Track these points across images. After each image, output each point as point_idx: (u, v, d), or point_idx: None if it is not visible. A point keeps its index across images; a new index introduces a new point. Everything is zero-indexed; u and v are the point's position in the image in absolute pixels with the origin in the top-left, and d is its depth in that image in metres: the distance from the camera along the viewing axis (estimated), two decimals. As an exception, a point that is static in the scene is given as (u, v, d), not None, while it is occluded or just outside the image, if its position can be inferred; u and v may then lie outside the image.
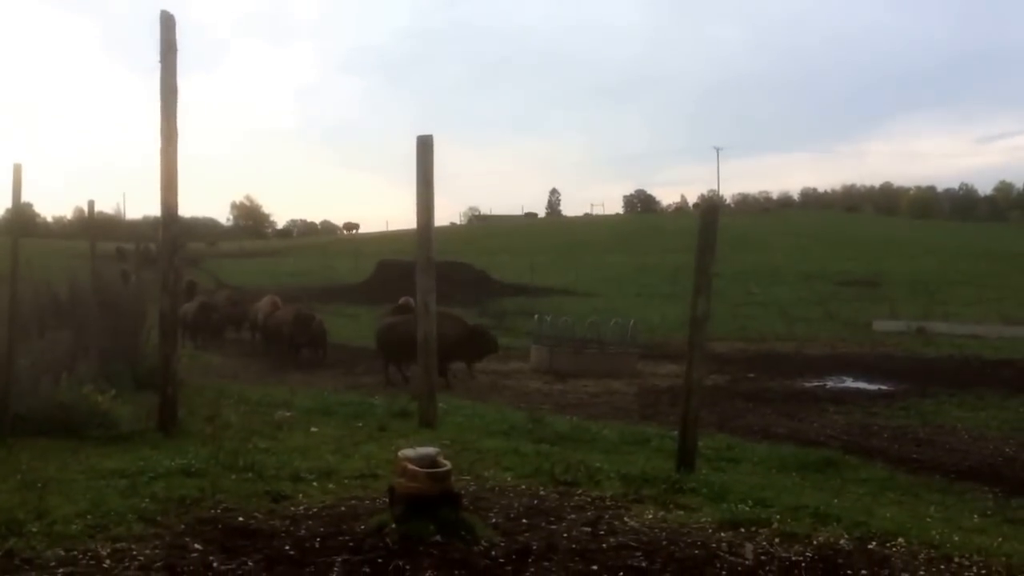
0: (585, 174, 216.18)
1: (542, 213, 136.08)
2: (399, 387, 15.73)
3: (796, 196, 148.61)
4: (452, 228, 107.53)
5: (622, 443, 9.42)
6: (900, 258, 60.74)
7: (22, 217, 8.08)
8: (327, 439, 8.14)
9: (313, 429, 8.64)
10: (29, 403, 7.38)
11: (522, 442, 8.78)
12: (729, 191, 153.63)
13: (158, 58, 7.81)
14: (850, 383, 17.90)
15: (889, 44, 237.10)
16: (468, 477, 6.91)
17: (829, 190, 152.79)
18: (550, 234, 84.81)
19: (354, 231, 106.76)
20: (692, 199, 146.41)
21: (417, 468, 5.38)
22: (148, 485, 6.02)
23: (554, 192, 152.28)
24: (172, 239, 7.91)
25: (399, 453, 5.56)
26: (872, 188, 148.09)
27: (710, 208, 7.66)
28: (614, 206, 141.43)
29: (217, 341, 23.27)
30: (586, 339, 20.67)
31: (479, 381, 17.28)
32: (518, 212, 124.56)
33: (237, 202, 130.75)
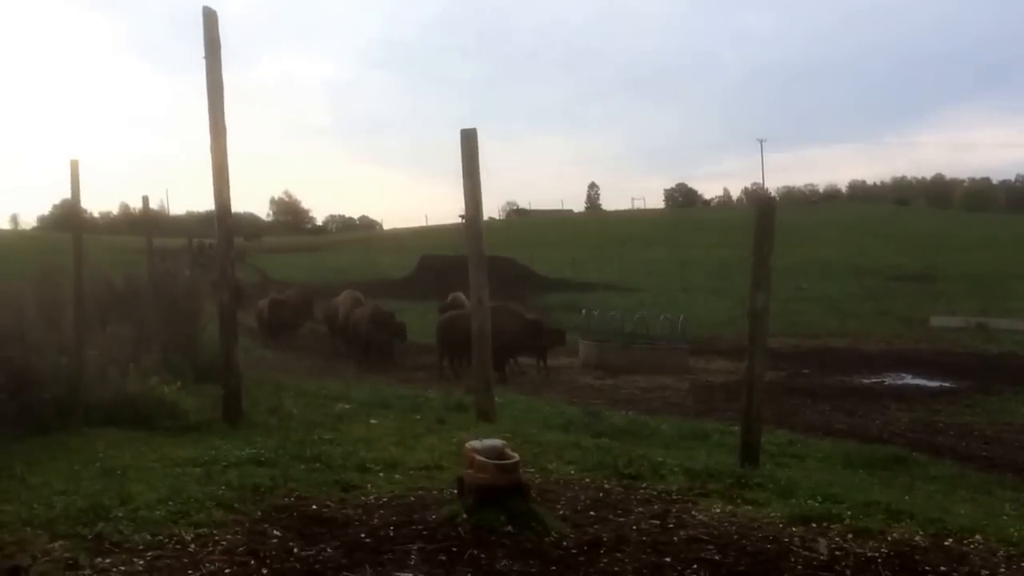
0: (624, 168, 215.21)
1: (581, 208, 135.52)
2: (451, 381, 15.81)
3: (844, 189, 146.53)
4: (491, 223, 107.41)
5: (681, 438, 9.38)
6: (954, 252, 59.61)
7: (80, 213, 8.26)
8: (388, 431, 8.21)
9: (373, 421, 8.72)
10: (99, 394, 7.53)
11: (581, 436, 8.79)
12: (773, 184, 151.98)
13: (203, 55, 7.90)
14: (910, 380, 17.66)
15: (939, 29, 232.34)
16: (532, 470, 6.91)
17: (878, 182, 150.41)
18: (590, 229, 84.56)
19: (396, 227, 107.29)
20: (735, 192, 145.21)
21: (486, 459, 5.41)
22: (223, 473, 6.13)
23: (593, 186, 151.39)
24: (228, 233, 8.03)
25: (467, 445, 5.59)
26: (923, 180, 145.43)
27: (767, 202, 7.59)
28: (655, 200, 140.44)
29: (288, 338, 22.44)
30: (635, 334, 20.60)
31: (530, 376, 17.30)
32: (557, 207, 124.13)
33: (276, 197, 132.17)
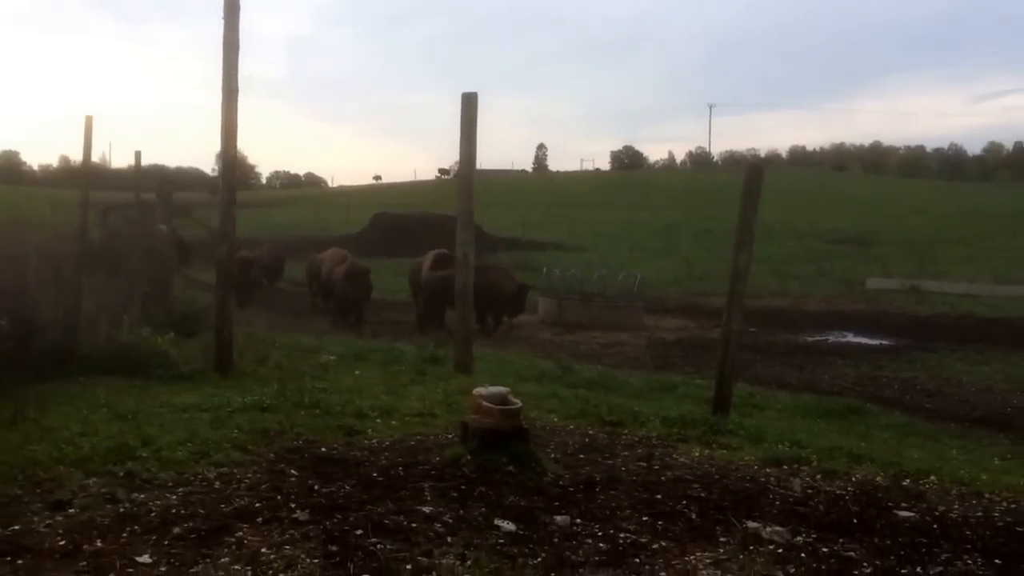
0: (572, 130, 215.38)
1: (529, 168, 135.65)
2: (417, 335, 16.09)
3: (784, 154, 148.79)
4: (439, 182, 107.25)
5: (649, 390, 9.84)
6: (890, 217, 61.16)
7: (93, 170, 8.35)
8: (374, 381, 8.52)
9: (357, 372, 9.01)
10: (94, 344, 7.71)
11: (556, 387, 9.19)
12: (717, 148, 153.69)
13: (221, 15, 8.04)
14: (852, 338, 18.43)
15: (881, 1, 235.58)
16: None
17: (818, 148, 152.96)
18: (538, 189, 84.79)
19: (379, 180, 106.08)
20: (679, 156, 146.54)
21: (492, 405, 5.78)
22: (231, 418, 6.41)
23: (541, 147, 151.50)
24: (231, 188, 8.20)
25: (474, 391, 5.96)
26: (861, 147, 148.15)
27: (755, 168, 7.97)
28: (602, 162, 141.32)
29: (256, 296, 21.38)
30: (591, 293, 21.09)
31: (492, 332, 17.69)
32: (506, 167, 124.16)
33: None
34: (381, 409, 7.15)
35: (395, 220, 46.00)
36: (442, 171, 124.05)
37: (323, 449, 5.96)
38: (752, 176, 7.96)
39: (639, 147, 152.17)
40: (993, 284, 33.50)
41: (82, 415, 6.26)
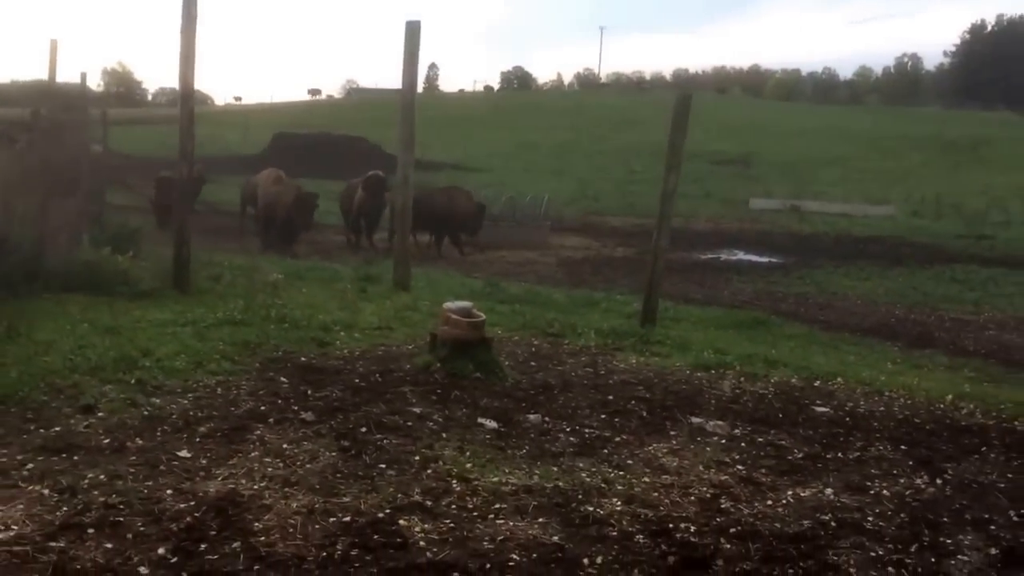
0: (462, 49, 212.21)
1: (420, 88, 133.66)
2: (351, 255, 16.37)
3: (668, 77, 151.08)
4: (331, 102, 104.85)
5: (573, 305, 10.57)
6: (769, 139, 63.46)
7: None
8: (325, 299, 8.95)
9: (304, 291, 9.41)
10: (55, 262, 7.87)
11: (491, 303, 9.80)
12: (604, 71, 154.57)
13: None
14: (742, 256, 19.67)
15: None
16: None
17: (700, 71, 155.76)
18: (431, 109, 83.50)
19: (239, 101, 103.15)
20: (567, 77, 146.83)
21: (460, 318, 6.38)
22: (211, 331, 6.82)
23: (432, 67, 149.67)
24: (190, 113, 8.39)
25: (444, 305, 6.55)
26: (741, 70, 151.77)
27: (684, 96, 8.63)
28: (492, 82, 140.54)
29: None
30: (501, 213, 21.66)
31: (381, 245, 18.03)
32: (398, 86, 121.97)
33: (109, 68, 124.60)
34: (342, 323, 7.64)
35: (295, 140, 45.29)
36: (312, 91, 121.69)
37: (303, 359, 6.45)
38: (680, 104, 8.64)
39: (528, 68, 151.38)
40: (866, 204, 35.69)
41: (66, 330, 6.53)
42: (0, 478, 3.99)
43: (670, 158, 8.56)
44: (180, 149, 8.40)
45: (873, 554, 3.84)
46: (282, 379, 5.89)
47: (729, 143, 59.92)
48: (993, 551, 3.93)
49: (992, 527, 4.20)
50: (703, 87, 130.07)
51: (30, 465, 4.14)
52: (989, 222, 27.39)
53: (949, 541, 4.02)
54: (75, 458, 4.25)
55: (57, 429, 4.60)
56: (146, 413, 4.94)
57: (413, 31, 9.43)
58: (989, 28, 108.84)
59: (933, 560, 3.81)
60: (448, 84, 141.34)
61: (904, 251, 20.74)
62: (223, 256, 11.37)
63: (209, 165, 29.67)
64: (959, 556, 3.87)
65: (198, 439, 4.64)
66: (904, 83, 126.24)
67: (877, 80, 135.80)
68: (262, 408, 5.24)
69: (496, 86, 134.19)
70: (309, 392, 5.63)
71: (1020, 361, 9.53)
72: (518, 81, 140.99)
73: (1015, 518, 4.33)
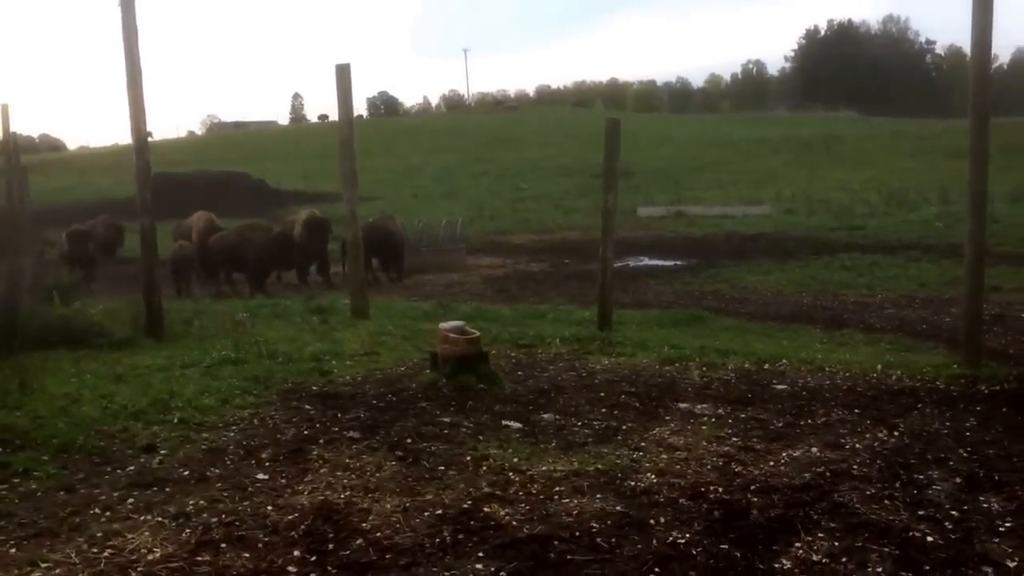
0: (324, 77, 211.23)
1: (285, 119, 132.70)
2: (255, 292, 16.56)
3: (532, 93, 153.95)
4: (192, 138, 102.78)
5: (522, 318, 11.25)
6: (641, 149, 65.42)
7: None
8: (297, 332, 9.36)
9: (275, 326, 9.79)
10: (28, 319, 8.05)
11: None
12: (470, 91, 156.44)
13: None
14: (648, 261, 20.74)
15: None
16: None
17: (561, 87, 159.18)
18: (304, 139, 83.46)
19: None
20: (434, 99, 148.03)
21: (458, 336, 6.98)
22: (217, 371, 7.20)
23: (297, 96, 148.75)
24: (146, 163, 8.70)
25: (440, 326, 7.16)
26: (600, 83, 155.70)
27: (613, 122, 9.42)
28: (359, 109, 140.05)
29: (94, 272, 19.43)
30: (417, 239, 22.10)
31: (334, 280, 18.38)
32: (260, 119, 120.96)
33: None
34: (331, 353, 8.10)
35: (173, 180, 44.52)
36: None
37: (314, 388, 6.91)
38: (611, 129, 9.44)
39: (393, 92, 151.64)
40: (743, 205, 37.61)
41: (74, 382, 6.80)
42: (109, 512, 4.38)
43: (607, 179, 9.41)
44: (139, 201, 8.69)
45: (868, 493, 4.61)
46: (307, 407, 6.35)
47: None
48: (957, 480, 4.77)
49: (950, 463, 5.06)
50: (565, 101, 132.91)
51: (130, 500, 4.53)
52: (856, 214, 29.38)
53: (921, 477, 4.85)
54: (167, 490, 4.66)
55: (132, 468, 4.98)
56: (204, 447, 5.36)
57: (344, 72, 9.95)
58: (822, 32, 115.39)
59: (916, 492, 4.61)
60: (314, 113, 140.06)
61: (790, 245, 22.23)
62: (176, 304, 11.57)
63: (85, 213, 28.48)
64: (933, 487, 4.69)
65: (267, 463, 5.10)
66: (752, 88, 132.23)
67: (727, 87, 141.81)
68: (306, 432, 5.71)
69: (364, 113, 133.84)
70: (339, 415, 6.12)
71: (922, 333, 10.69)
72: (384, 106, 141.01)
73: (964, 454, 5.21)
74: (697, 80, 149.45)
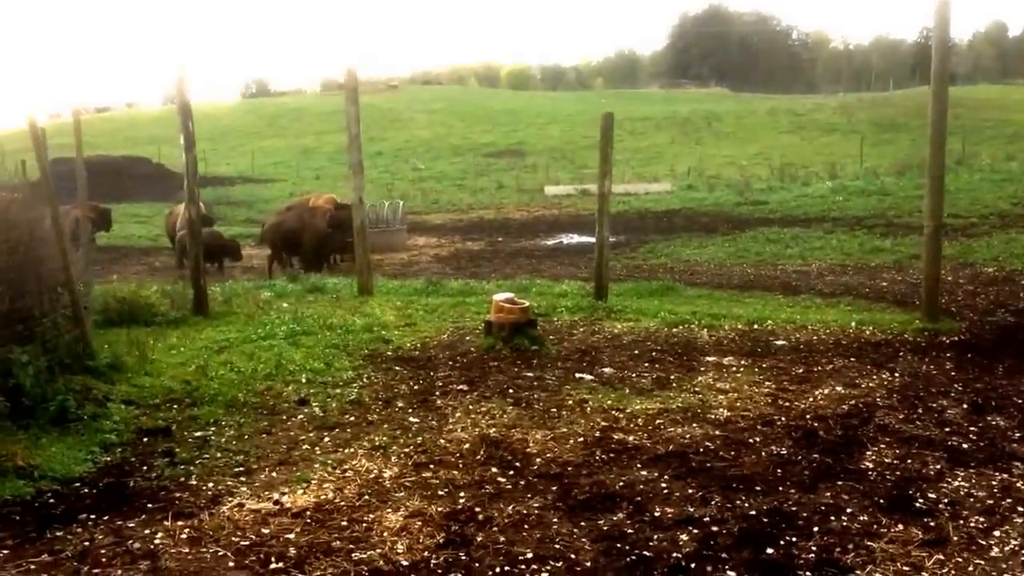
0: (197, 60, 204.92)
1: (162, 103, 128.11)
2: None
3: (409, 76, 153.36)
4: (69, 123, 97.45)
5: (511, 291, 12.25)
6: (529, 128, 66.69)
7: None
8: (320, 309, 10.15)
9: (306, 300, 10.58)
10: (99, 301, 8.66)
11: (446, 298, 11.31)
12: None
13: None
14: (578, 238, 21.89)
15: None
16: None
17: (436, 74, 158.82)
18: (198, 122, 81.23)
19: None
20: (310, 87, 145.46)
21: (511, 305, 8.04)
22: (300, 341, 8.03)
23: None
24: (193, 160, 9.39)
25: (494, 297, 8.23)
26: (474, 67, 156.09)
27: (608, 114, 10.53)
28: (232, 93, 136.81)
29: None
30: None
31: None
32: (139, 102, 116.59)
33: None
34: (371, 325, 8.97)
35: (70, 166, 42.98)
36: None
37: (389, 353, 7.85)
38: (606, 120, 10.59)
39: (266, 80, 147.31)
40: (644, 183, 39.40)
41: (179, 352, 7.57)
42: (319, 448, 5.27)
43: (602, 165, 10.57)
44: (187, 190, 9.41)
45: (899, 417, 5.93)
46: (397, 368, 7.31)
47: (494, 135, 62.62)
48: (965, 407, 6.15)
49: (952, 395, 6.45)
50: (442, 83, 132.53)
51: (326, 438, 5.44)
52: (755, 190, 31.26)
53: (935, 405, 6.21)
54: (348, 431, 5.60)
55: (301, 416, 5.89)
56: (351, 398, 6.29)
57: (351, 74, 10.76)
58: (694, 14, 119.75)
59: (936, 415, 5.96)
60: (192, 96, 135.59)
61: (705, 221, 23.72)
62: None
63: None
64: (948, 411, 6.06)
65: (409, 410, 6.07)
66: (624, 66, 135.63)
67: (599, 65, 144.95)
68: (416, 387, 6.69)
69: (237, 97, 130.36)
70: (431, 374, 7.11)
71: (869, 296, 11.92)
72: (257, 88, 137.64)
73: (960, 388, 6.63)
74: (569, 60, 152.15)
